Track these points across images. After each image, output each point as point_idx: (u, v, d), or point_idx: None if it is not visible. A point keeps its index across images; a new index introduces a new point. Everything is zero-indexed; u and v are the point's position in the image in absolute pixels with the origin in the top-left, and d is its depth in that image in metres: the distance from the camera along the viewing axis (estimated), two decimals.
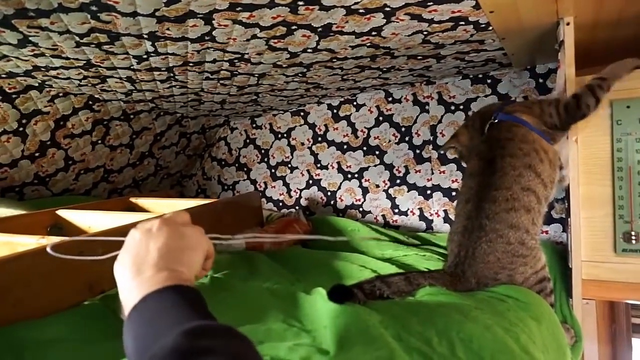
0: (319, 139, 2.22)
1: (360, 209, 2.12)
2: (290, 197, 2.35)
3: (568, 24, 1.12)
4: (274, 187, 2.40)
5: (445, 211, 1.91)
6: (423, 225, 1.97)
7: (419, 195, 1.98)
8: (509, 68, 1.72)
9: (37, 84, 1.60)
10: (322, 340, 0.87)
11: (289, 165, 2.34)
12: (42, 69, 1.40)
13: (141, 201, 1.74)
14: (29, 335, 0.76)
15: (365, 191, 2.11)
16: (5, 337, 0.73)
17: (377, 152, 2.07)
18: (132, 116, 2.04)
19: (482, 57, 1.55)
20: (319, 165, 2.24)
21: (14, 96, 1.59)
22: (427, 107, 1.95)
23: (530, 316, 0.98)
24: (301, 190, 2.31)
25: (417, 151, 1.98)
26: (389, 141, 2.04)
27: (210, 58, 1.37)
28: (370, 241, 1.68)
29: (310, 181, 2.27)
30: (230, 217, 1.72)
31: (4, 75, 1.47)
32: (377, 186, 2.08)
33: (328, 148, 2.19)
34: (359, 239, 1.76)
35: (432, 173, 1.94)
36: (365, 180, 2.11)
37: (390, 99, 2.03)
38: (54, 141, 1.84)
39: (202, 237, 0.63)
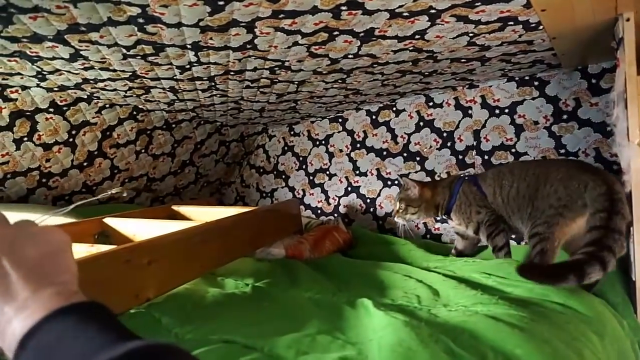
0: (358, 145, 2.20)
1: None
2: (329, 204, 2.33)
3: (628, 19, 1.05)
4: (312, 194, 2.39)
5: None
6: None
7: None
8: (557, 69, 1.64)
9: (85, 96, 1.65)
10: (369, 354, 0.84)
11: (327, 172, 2.32)
12: (91, 82, 1.44)
13: (183, 209, 1.76)
14: None
15: None
16: None
17: (417, 159, 2.02)
18: (173, 125, 2.08)
19: (529, 59, 1.48)
20: (357, 172, 2.21)
21: (64, 108, 1.66)
22: (469, 112, 1.89)
23: (592, 330, 0.92)
24: (340, 198, 2.28)
25: (460, 157, 1.92)
26: (430, 147, 1.99)
27: (251, 66, 1.37)
28: (415, 251, 1.63)
29: (349, 188, 2.25)
30: (269, 225, 1.71)
31: (55, 89, 1.53)
32: None
33: (367, 154, 2.16)
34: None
35: None
36: None
37: (431, 103, 1.98)
38: (101, 151, 1.90)
39: (58, 231, 0.45)
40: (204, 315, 1.03)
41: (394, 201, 1.63)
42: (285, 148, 2.50)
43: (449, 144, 1.95)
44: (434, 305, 1.09)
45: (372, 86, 1.74)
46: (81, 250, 0.99)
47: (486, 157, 1.84)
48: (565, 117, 1.67)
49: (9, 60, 1.22)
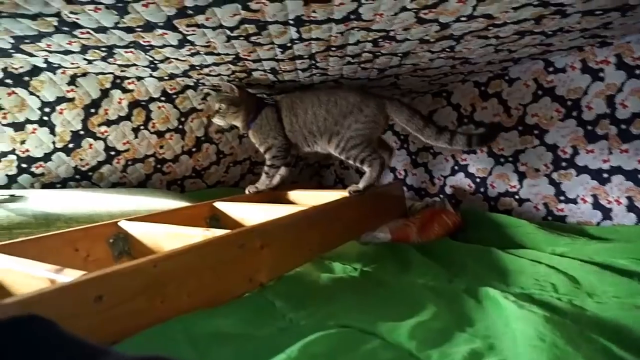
0: (465, 120, 2.03)
1: (516, 197, 1.88)
2: (434, 184, 2.19)
3: None
4: (415, 174, 2.27)
5: (629, 198, 1.59)
6: (598, 215, 1.66)
7: (592, 179, 1.67)
8: None
9: (192, 83, 1.70)
10: (503, 349, 0.74)
11: (431, 151, 2.18)
12: (197, 68, 1.47)
13: (285, 192, 1.76)
14: (202, 326, 0.77)
15: (522, 176, 1.87)
16: (184, 326, 0.75)
17: (535, 132, 1.81)
18: None
19: None
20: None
21: (174, 96, 1.73)
22: (600, 75, 1.63)
23: None
24: (445, 177, 2.14)
25: (589, 127, 1.67)
26: (551, 118, 1.76)
27: (353, 40, 1.29)
28: (536, 234, 1.46)
29: (456, 167, 2.09)
30: (373, 208, 1.64)
31: (166, 77, 1.59)
32: (537, 170, 1.81)
33: (476, 130, 1.99)
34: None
35: (610, 153, 1.62)
36: (522, 164, 1.86)
37: (551, 68, 1.74)
38: (208, 136, 1.97)
39: None
40: (317, 300, 1.00)
41: (213, 104, 1.66)
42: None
43: (574, 113, 1.70)
44: (576, 295, 0.95)
45: (483, 53, 1.56)
46: (197, 234, 1.01)
47: (623, 126, 1.58)
48: None
49: (126, 52, 1.28)
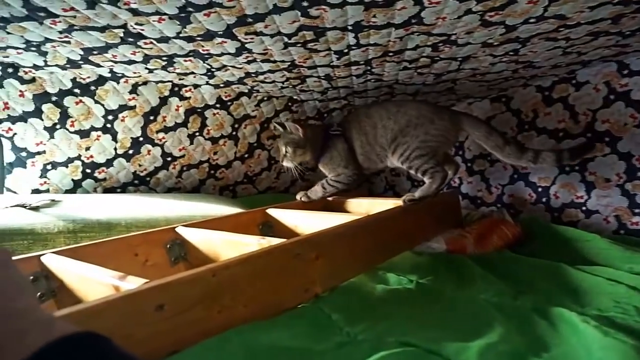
0: (526, 126, 1.92)
1: (583, 208, 1.76)
2: (491, 193, 2.10)
3: None
4: (471, 182, 2.18)
5: None
6: None
7: None
8: None
9: (247, 90, 1.72)
10: None
11: (488, 158, 2.09)
12: (252, 75, 1.48)
13: (336, 199, 1.74)
14: (260, 339, 0.75)
15: (590, 186, 1.74)
16: (242, 339, 0.74)
17: (606, 139, 1.68)
18: (325, 114, 2.07)
19: None
20: None
21: (228, 103, 1.75)
22: None
23: None
24: (504, 186, 2.04)
25: None
26: (625, 124, 1.63)
27: (412, 44, 1.25)
28: (609, 250, 1.35)
29: (515, 175, 1.99)
30: (428, 218, 1.58)
31: (221, 85, 1.62)
32: (608, 180, 1.69)
33: (538, 137, 1.88)
34: None
35: None
36: (590, 174, 1.73)
37: (625, 71, 1.62)
38: (259, 142, 1.98)
39: None
40: (373, 313, 0.96)
41: (280, 146, 1.60)
42: None
43: None
44: None
45: (549, 56, 1.47)
46: (252, 242, 1.00)
47: None
48: None
49: (185, 60, 1.30)
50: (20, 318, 0.32)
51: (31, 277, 0.88)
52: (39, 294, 0.89)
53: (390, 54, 1.32)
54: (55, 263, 0.89)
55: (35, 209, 1.22)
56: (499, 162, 2.04)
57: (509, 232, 1.63)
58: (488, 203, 2.11)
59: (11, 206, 1.21)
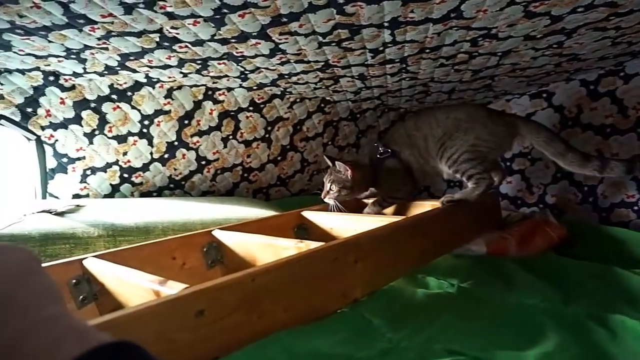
0: (569, 123, 1.83)
1: (635, 208, 1.66)
2: (532, 193, 2.01)
3: None
4: (510, 182, 2.10)
5: None
6: None
7: None
8: None
9: (279, 92, 1.71)
10: None
11: (529, 157, 2.01)
12: (285, 76, 1.47)
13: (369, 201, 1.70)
14: (301, 346, 0.73)
15: None
16: (283, 345, 0.72)
17: None
18: (358, 115, 2.05)
19: None
20: None
21: (261, 106, 1.75)
22: None
23: None
24: (546, 186, 1.95)
25: None
26: None
27: (449, 40, 1.21)
28: None
29: (559, 174, 1.90)
30: (467, 219, 1.52)
31: (254, 87, 1.61)
32: None
33: (582, 133, 1.79)
34: None
35: None
36: None
37: None
38: (292, 145, 1.97)
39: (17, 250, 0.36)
40: (416, 319, 0.93)
41: (325, 181, 1.49)
42: None
43: None
44: None
45: (597, 47, 1.40)
46: (289, 245, 0.98)
47: None
48: None
49: (219, 63, 1.30)
50: (53, 326, 0.30)
51: (74, 281, 0.89)
52: (81, 297, 0.89)
53: (427, 50, 1.28)
54: (97, 266, 0.90)
55: (61, 214, 1.24)
56: (540, 161, 1.96)
57: (553, 233, 1.55)
58: (529, 204, 2.03)
59: (37, 212, 1.22)
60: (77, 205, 1.35)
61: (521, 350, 0.74)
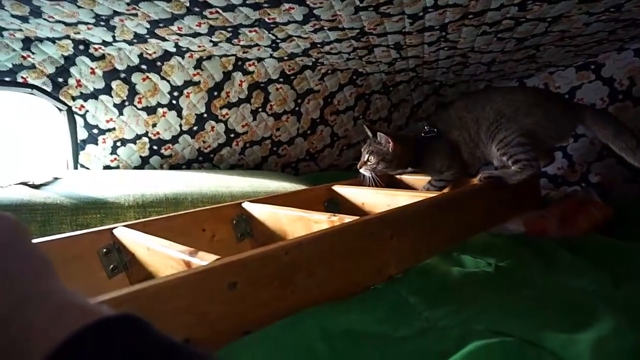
0: (620, 96, 1.72)
1: None
2: (574, 171, 1.91)
3: None
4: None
5: None
6: None
7: None
8: None
9: (310, 63, 1.66)
10: None
11: (572, 133, 1.90)
12: (318, 46, 1.41)
13: (405, 177, 1.65)
14: (336, 322, 0.70)
15: None
16: (317, 320, 0.69)
17: None
18: (391, 88, 1.97)
19: None
20: None
21: (292, 77, 1.70)
22: None
23: None
24: (590, 164, 1.85)
25: None
26: None
27: (496, 4, 1.13)
28: None
29: (605, 152, 1.79)
30: (505, 197, 1.45)
31: (285, 58, 1.56)
32: None
33: (634, 107, 1.67)
34: None
35: None
36: None
37: None
38: (323, 118, 1.92)
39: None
40: (453, 298, 0.88)
41: (363, 152, 1.42)
42: None
43: None
44: None
45: None
46: (321, 219, 0.95)
47: None
48: None
49: (250, 31, 1.26)
50: (49, 300, 0.28)
51: (104, 250, 0.89)
52: (111, 266, 0.89)
53: (470, 16, 1.20)
54: (127, 236, 0.89)
55: (38, 186, 1.21)
56: (584, 137, 1.85)
57: (598, 213, 1.47)
58: (570, 182, 1.93)
59: (14, 184, 1.18)
60: (55, 178, 1.32)
61: (572, 334, 0.69)
